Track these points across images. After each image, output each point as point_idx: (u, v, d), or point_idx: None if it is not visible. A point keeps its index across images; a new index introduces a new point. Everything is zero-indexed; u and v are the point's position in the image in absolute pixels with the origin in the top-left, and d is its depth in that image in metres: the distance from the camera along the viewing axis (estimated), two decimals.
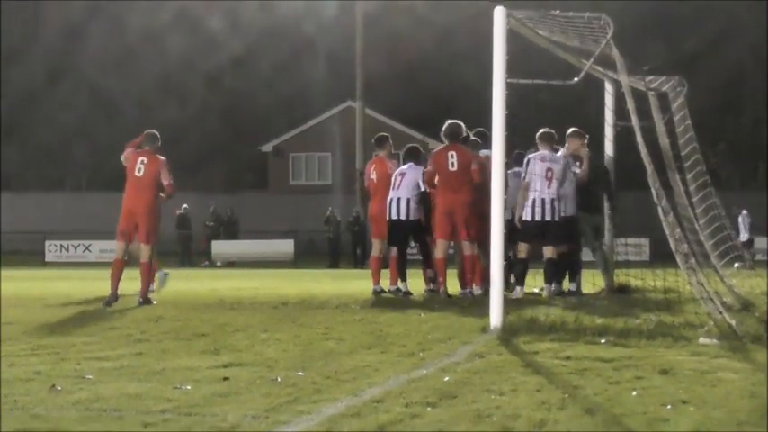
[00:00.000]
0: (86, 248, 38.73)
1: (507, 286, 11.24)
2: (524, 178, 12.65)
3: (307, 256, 37.21)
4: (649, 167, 9.27)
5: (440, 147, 13.14)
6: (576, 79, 11.07)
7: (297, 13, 50.16)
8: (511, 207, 12.34)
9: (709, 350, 7.40)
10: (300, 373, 6.48)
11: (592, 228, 13.17)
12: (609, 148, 13.68)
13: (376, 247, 13.93)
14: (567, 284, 13.26)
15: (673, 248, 8.96)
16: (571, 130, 13.13)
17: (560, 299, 12.27)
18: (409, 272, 13.62)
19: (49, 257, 38.38)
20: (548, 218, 12.58)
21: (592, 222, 13.18)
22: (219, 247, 37.65)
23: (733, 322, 8.07)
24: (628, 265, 13.83)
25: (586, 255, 13.80)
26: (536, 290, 13.06)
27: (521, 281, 12.73)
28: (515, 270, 12.78)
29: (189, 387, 5.96)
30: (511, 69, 9.23)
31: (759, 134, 49.06)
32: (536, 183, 12.58)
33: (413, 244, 14.56)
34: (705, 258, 11.11)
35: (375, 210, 13.82)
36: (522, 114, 10.28)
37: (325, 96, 48.32)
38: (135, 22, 51.03)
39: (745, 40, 47.71)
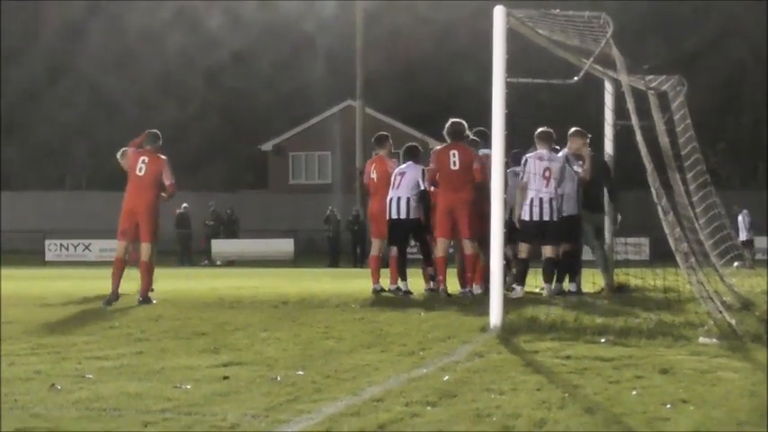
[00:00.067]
0: (86, 248, 38.74)
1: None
2: (522, 178, 12.65)
3: (306, 255, 37.21)
4: (649, 166, 9.27)
5: (442, 145, 13.12)
6: (575, 78, 11.06)
7: (297, 12, 50.17)
8: (510, 206, 12.35)
9: (709, 349, 7.40)
10: (300, 373, 6.48)
11: (593, 227, 13.17)
12: (609, 147, 13.69)
13: (376, 246, 13.93)
14: (566, 285, 13.24)
15: (672, 248, 8.96)
16: (573, 129, 13.13)
17: (560, 298, 12.27)
18: (409, 271, 13.62)
19: (48, 257, 38.39)
20: (546, 217, 12.58)
21: (593, 221, 13.17)
22: (219, 246, 37.66)
23: (733, 321, 8.07)
24: (627, 264, 13.84)
25: (586, 254, 13.80)
26: (536, 289, 13.06)
27: (521, 280, 12.73)
28: (516, 270, 12.77)
29: (189, 386, 5.96)
30: (511, 68, 9.23)
31: (759, 133, 49.08)
32: (534, 182, 12.58)
33: (413, 243, 14.56)
34: (705, 257, 11.11)
35: (375, 209, 13.82)
36: (521, 113, 10.28)
37: (325, 95, 48.33)
38: (135, 22, 51.05)
39: (745, 39, 47.73)
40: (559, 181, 12.72)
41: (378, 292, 13.42)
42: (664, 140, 11.41)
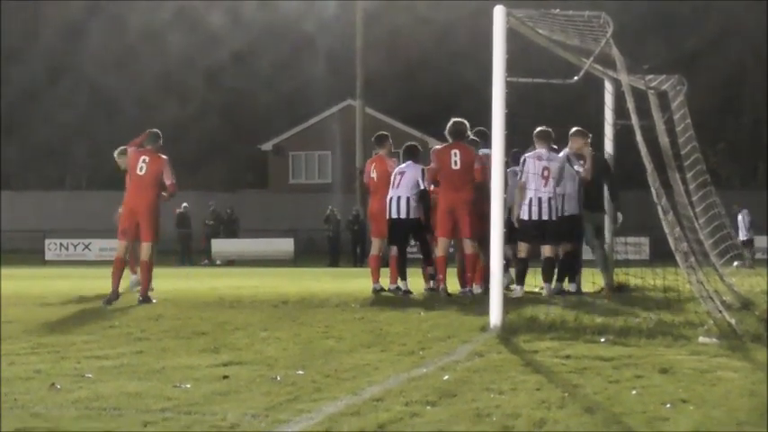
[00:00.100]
0: (86, 247, 38.76)
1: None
2: (521, 177, 12.65)
3: (306, 254, 37.22)
4: (649, 166, 9.27)
5: (443, 144, 13.12)
6: (575, 78, 11.06)
7: (297, 12, 50.18)
8: (509, 206, 12.35)
9: (709, 349, 7.41)
10: (300, 372, 6.48)
11: (593, 226, 13.17)
12: (609, 147, 13.69)
13: (375, 246, 13.93)
14: (566, 284, 13.24)
15: (672, 247, 8.96)
16: (574, 129, 13.13)
17: (560, 298, 12.27)
18: (409, 270, 13.62)
19: (48, 256, 38.40)
20: (545, 217, 12.58)
21: (593, 220, 13.17)
22: (219, 246, 37.67)
23: (733, 321, 8.07)
24: (627, 263, 13.84)
25: (586, 253, 13.80)
26: (536, 289, 13.07)
27: (521, 280, 12.73)
28: (515, 269, 12.77)
29: (189, 386, 5.96)
30: (511, 68, 9.23)
31: (759, 133, 49.09)
32: (533, 181, 12.59)
33: (413, 242, 14.56)
34: (704, 257, 11.12)
35: (375, 208, 13.82)
36: (521, 113, 10.28)
37: (325, 95, 48.34)
38: (135, 21, 51.05)
39: (746, 39, 47.73)
40: (558, 180, 12.72)
41: (378, 291, 13.42)
42: (664, 140, 11.42)
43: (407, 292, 13.27)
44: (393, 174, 13.36)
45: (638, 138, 9.42)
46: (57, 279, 20.79)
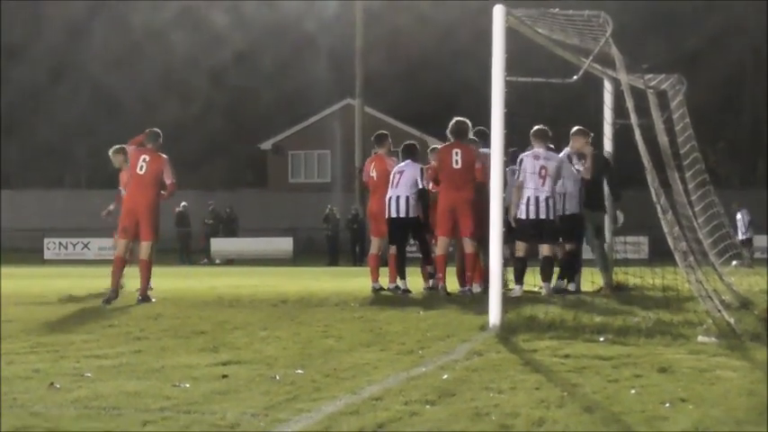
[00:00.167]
0: (85, 246, 38.76)
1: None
2: (518, 176, 12.65)
3: (306, 253, 37.22)
4: (648, 165, 9.27)
5: (445, 144, 13.11)
6: (575, 77, 11.07)
7: (298, 12, 50.16)
8: (506, 205, 12.34)
9: (708, 348, 7.41)
10: (299, 371, 6.48)
11: (593, 225, 13.17)
12: (608, 146, 13.69)
13: (375, 245, 13.94)
14: (565, 284, 13.24)
15: (671, 246, 8.96)
16: (575, 128, 13.13)
17: (559, 297, 12.26)
18: (408, 270, 13.62)
19: (47, 255, 38.40)
20: (542, 216, 12.58)
21: (594, 220, 13.17)
22: (218, 245, 37.68)
23: (732, 320, 8.07)
24: (627, 263, 13.84)
25: (586, 253, 13.80)
26: (535, 288, 13.06)
27: (519, 279, 12.73)
28: (514, 269, 12.77)
29: (188, 385, 5.97)
30: (510, 67, 9.23)
31: (759, 132, 49.07)
32: (530, 181, 12.58)
33: (412, 242, 14.56)
34: (703, 256, 11.12)
35: (374, 207, 13.82)
36: (521, 112, 10.28)
37: (326, 94, 48.33)
38: (137, 20, 51.04)
39: (746, 38, 47.73)
40: (556, 179, 12.72)
41: (377, 290, 13.43)
42: (663, 139, 11.42)
43: (406, 291, 13.27)
44: (392, 173, 13.36)
45: (638, 137, 9.42)
46: (56, 278, 20.78)
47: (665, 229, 9.01)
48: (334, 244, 36.28)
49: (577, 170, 12.93)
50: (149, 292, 12.75)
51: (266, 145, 50.44)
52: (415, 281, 13.74)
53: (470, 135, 13.26)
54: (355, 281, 17.23)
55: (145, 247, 12.63)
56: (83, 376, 6.31)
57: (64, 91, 50.16)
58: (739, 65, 49.63)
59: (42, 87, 51.03)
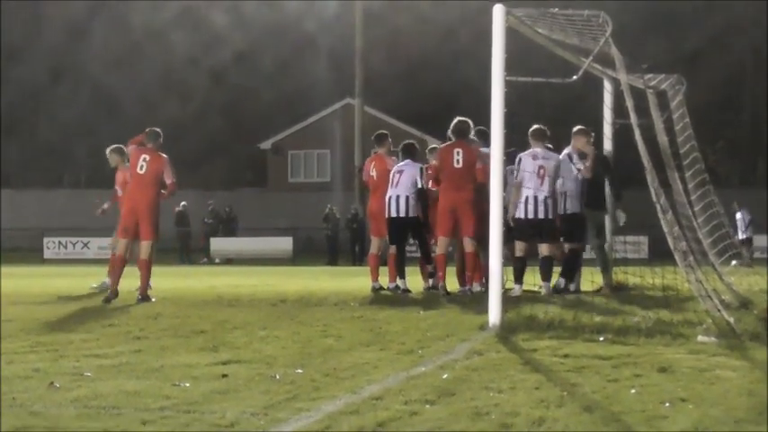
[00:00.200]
0: (85, 245, 38.75)
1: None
2: (516, 176, 12.64)
3: (305, 253, 37.21)
4: (648, 165, 9.28)
5: (446, 143, 13.11)
6: (575, 77, 11.07)
7: (298, 11, 50.16)
8: (504, 205, 12.33)
9: (708, 348, 7.41)
10: (299, 371, 6.48)
11: (594, 225, 13.15)
12: (608, 146, 13.69)
13: (374, 245, 13.94)
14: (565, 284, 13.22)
15: (671, 246, 8.97)
16: (577, 127, 13.11)
17: (559, 297, 12.25)
18: (408, 269, 13.62)
19: (47, 254, 38.39)
20: (541, 216, 12.58)
21: (595, 219, 13.16)
22: (218, 245, 37.67)
23: (731, 320, 8.08)
24: (626, 262, 13.83)
25: (585, 252, 13.79)
26: (535, 288, 13.05)
27: (519, 279, 12.73)
28: (513, 268, 12.77)
29: (187, 384, 5.97)
30: (510, 67, 9.23)
31: (759, 131, 49.06)
32: (528, 180, 12.58)
33: (412, 241, 14.56)
34: (703, 256, 11.13)
35: (374, 207, 13.82)
36: (521, 112, 10.28)
37: (326, 94, 48.32)
38: (137, 20, 51.04)
39: (746, 38, 47.74)
40: (554, 179, 12.72)
41: (376, 290, 13.43)
42: (662, 139, 11.43)
43: (406, 290, 13.27)
44: (391, 172, 13.35)
45: (637, 137, 9.43)
46: (55, 277, 20.78)
47: (665, 229, 9.01)
48: (333, 243, 36.27)
49: (578, 169, 12.92)
50: (149, 292, 12.74)
51: (266, 145, 50.43)
52: (414, 280, 13.74)
53: (471, 135, 13.26)
54: (355, 280, 17.23)
55: (145, 247, 12.63)
56: (82, 375, 6.31)
57: (64, 91, 50.15)
58: (739, 65, 49.64)
59: (42, 87, 51.03)
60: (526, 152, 12.73)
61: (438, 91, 48.24)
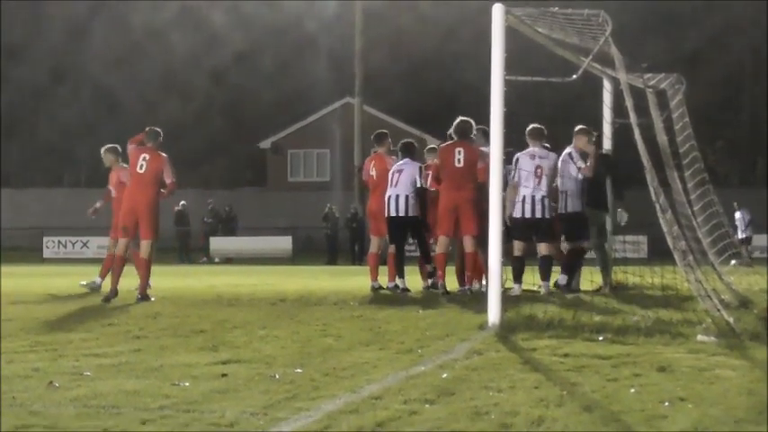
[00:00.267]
0: (84, 245, 38.74)
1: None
2: (513, 176, 12.64)
3: (305, 252, 37.21)
4: (647, 164, 9.28)
5: (448, 142, 13.10)
6: (574, 76, 11.07)
7: (298, 11, 50.16)
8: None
9: (707, 347, 7.41)
10: (299, 370, 6.48)
11: (595, 225, 13.15)
12: (607, 145, 13.69)
13: (374, 244, 13.94)
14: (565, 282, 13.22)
15: (671, 245, 8.97)
16: (578, 127, 13.11)
17: (558, 296, 12.25)
18: (407, 268, 13.62)
19: (47, 254, 38.38)
20: (538, 215, 12.58)
21: (596, 218, 13.15)
22: (218, 244, 37.67)
23: (731, 319, 8.08)
24: (626, 262, 13.83)
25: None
26: (534, 287, 13.05)
27: (518, 278, 12.72)
28: (512, 268, 12.76)
29: (187, 384, 5.97)
30: (510, 66, 9.23)
31: (758, 131, 49.07)
32: (526, 180, 12.57)
33: (411, 240, 14.55)
34: (703, 255, 11.13)
35: (374, 206, 13.81)
36: (520, 111, 10.28)
37: (325, 93, 48.33)
38: (137, 20, 51.04)
39: (745, 38, 47.76)
40: (552, 178, 12.71)
41: (376, 289, 13.43)
42: (662, 138, 11.43)
43: (405, 290, 13.27)
44: (391, 172, 13.35)
45: (637, 136, 9.43)
46: (55, 277, 20.78)
47: (665, 229, 9.01)
48: (333, 243, 36.27)
49: (578, 168, 12.91)
50: (148, 291, 12.74)
51: (265, 144, 50.41)
52: (414, 280, 13.74)
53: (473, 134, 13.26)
54: (354, 280, 17.23)
55: (144, 246, 12.63)
56: (82, 375, 6.31)
57: (64, 91, 50.17)
58: (739, 65, 49.66)
59: (42, 87, 51.04)
60: (523, 151, 12.72)
61: (438, 90, 48.26)
